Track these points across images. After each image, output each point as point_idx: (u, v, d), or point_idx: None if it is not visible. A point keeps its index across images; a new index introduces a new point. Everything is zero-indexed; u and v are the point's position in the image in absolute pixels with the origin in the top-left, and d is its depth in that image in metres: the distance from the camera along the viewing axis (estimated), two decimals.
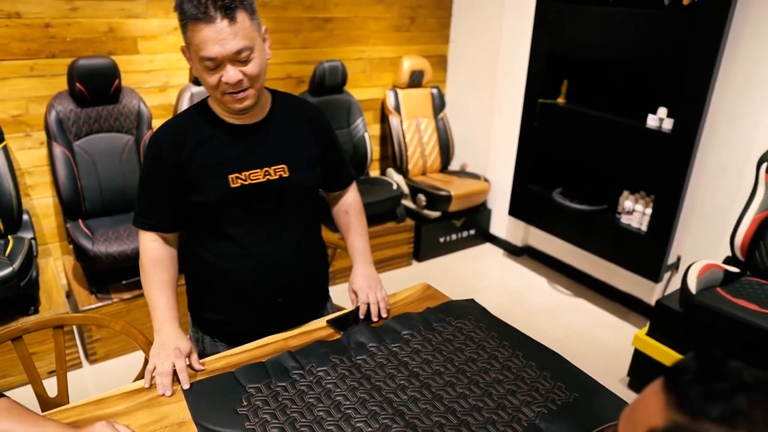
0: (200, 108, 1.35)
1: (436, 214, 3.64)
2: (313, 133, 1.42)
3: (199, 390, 1.19)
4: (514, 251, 3.83)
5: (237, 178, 1.31)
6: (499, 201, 3.84)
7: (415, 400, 1.17)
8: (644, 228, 2.86)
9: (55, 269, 2.83)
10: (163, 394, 1.18)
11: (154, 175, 1.33)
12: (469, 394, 1.19)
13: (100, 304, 2.54)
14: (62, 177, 2.64)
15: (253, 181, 1.32)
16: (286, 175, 1.35)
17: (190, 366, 1.26)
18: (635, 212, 2.91)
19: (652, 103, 2.79)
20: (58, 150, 2.64)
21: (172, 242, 1.39)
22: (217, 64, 1.17)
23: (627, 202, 2.96)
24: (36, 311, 2.44)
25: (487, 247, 3.96)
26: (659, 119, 2.71)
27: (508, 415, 1.13)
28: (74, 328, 2.65)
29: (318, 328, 1.45)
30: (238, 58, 1.17)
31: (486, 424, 1.11)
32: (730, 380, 0.51)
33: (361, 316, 1.46)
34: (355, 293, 1.51)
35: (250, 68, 1.20)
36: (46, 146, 2.75)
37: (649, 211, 2.83)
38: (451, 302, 1.55)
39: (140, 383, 1.22)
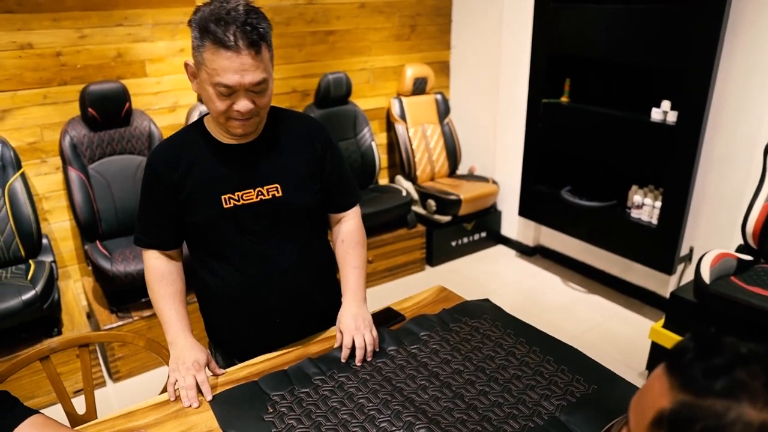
0: (196, 127, 1.35)
1: (446, 218, 3.66)
2: (310, 151, 1.38)
3: (225, 399, 1.22)
4: (526, 251, 3.84)
5: (230, 198, 1.30)
6: (509, 202, 3.85)
7: (436, 398, 1.19)
8: (655, 221, 2.86)
9: (75, 291, 2.89)
10: (190, 406, 1.21)
11: (150, 194, 1.34)
12: (488, 390, 1.21)
13: (121, 322, 2.59)
14: (78, 200, 2.70)
15: (245, 202, 1.31)
16: (279, 194, 1.33)
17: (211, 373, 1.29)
18: (645, 206, 2.92)
19: (655, 96, 2.80)
20: (74, 174, 2.70)
21: (175, 257, 1.41)
22: (232, 91, 1.17)
23: (636, 196, 2.97)
24: (59, 332, 2.49)
25: (500, 249, 3.97)
26: (663, 112, 2.72)
27: (528, 409, 1.15)
28: (97, 347, 2.69)
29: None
30: (254, 89, 1.18)
31: (507, 418, 1.13)
32: (728, 355, 0.53)
33: (343, 360, 1.33)
34: (342, 333, 1.37)
35: (263, 99, 1.22)
36: (61, 171, 2.82)
37: (658, 204, 2.83)
38: (466, 302, 1.57)
39: (167, 395, 1.25)
